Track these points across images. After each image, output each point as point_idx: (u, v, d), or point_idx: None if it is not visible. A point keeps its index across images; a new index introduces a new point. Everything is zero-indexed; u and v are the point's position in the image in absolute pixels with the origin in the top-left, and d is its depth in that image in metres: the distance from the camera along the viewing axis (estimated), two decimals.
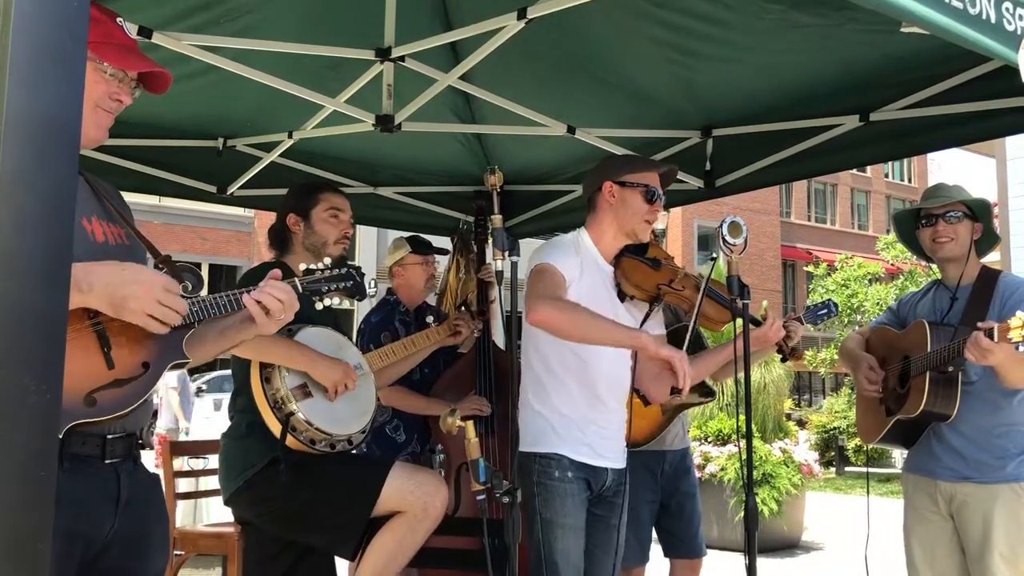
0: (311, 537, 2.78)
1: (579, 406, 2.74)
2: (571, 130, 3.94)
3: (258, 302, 1.88)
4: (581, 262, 2.75)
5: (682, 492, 3.55)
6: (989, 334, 2.59)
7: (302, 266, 2.06)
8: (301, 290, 1.98)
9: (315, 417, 2.63)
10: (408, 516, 2.73)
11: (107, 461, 1.77)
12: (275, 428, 2.64)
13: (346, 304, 2.24)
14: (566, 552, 2.63)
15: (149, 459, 2.75)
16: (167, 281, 1.71)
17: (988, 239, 3.09)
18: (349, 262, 2.16)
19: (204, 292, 1.91)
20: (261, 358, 2.66)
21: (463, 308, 3.98)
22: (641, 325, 2.83)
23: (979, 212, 3.06)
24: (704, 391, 3.61)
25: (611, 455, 2.80)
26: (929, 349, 2.89)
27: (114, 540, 1.78)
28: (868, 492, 3.65)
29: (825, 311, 3.38)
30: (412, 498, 2.73)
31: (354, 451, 2.87)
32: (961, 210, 3.03)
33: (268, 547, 2.86)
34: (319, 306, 2.08)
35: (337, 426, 2.70)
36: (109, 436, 1.76)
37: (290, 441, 2.64)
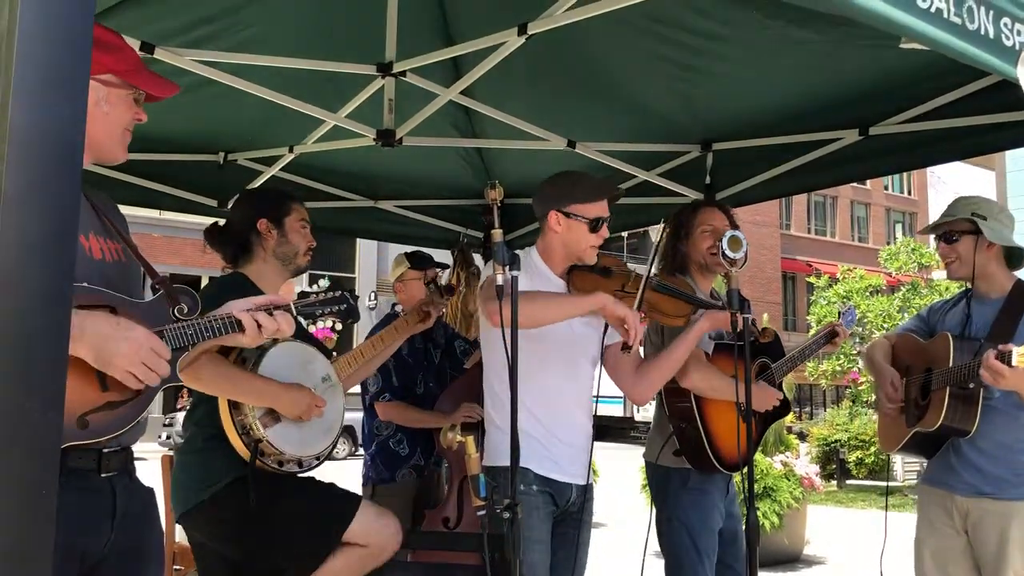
0: (275, 558, 2.69)
1: (541, 422, 2.71)
2: (571, 144, 3.96)
3: (259, 325, 1.89)
4: (529, 280, 2.66)
5: (736, 516, 3.25)
6: (1007, 358, 2.55)
7: (297, 288, 2.07)
8: (295, 313, 1.99)
9: (283, 443, 2.59)
10: (365, 552, 2.68)
11: (103, 475, 1.78)
12: (243, 453, 2.59)
13: (339, 325, 2.27)
14: (532, 565, 2.59)
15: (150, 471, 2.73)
16: (156, 342, 1.71)
17: (1009, 249, 2.98)
18: (342, 285, 2.21)
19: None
20: (225, 396, 2.59)
21: (431, 286, 3.81)
22: (603, 336, 2.82)
23: (980, 215, 2.95)
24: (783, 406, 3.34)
25: (575, 470, 2.77)
26: (951, 364, 2.85)
27: (110, 553, 1.79)
28: (887, 506, 3.59)
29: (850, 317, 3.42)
30: (375, 537, 2.70)
31: (318, 465, 2.80)
32: (959, 229, 2.98)
33: (224, 570, 2.74)
34: (301, 355, 2.10)
35: (305, 448, 2.67)
36: (105, 451, 1.78)
37: (258, 464, 2.59)
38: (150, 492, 1.98)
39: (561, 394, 2.78)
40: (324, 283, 2.12)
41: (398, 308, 4.22)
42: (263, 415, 2.56)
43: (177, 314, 1.80)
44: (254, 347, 2.47)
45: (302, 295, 2.09)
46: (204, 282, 21.85)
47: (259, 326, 1.89)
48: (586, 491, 2.79)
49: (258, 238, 2.86)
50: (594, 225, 2.78)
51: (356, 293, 2.23)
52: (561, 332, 2.69)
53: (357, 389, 4.13)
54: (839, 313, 3.49)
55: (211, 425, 2.64)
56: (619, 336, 2.87)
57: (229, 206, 4.51)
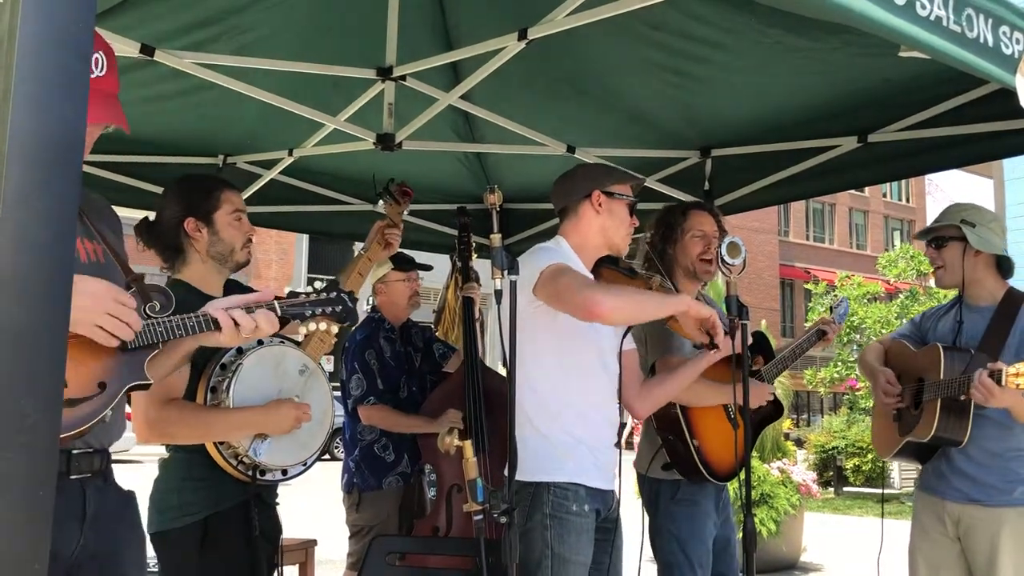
0: None
1: (592, 426, 2.62)
2: (571, 149, 3.96)
3: (237, 324, 1.80)
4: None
5: (730, 524, 3.21)
6: (997, 377, 2.55)
7: (287, 289, 1.94)
8: (280, 314, 1.87)
9: (281, 457, 2.51)
10: None
11: (72, 477, 1.75)
12: (241, 478, 2.48)
13: (334, 328, 2.12)
14: None
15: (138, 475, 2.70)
16: (117, 292, 1.63)
17: (999, 258, 2.99)
18: (340, 284, 2.04)
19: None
20: (203, 441, 2.45)
21: (384, 192, 3.48)
22: (623, 338, 2.76)
23: (969, 222, 2.95)
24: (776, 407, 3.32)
25: (614, 472, 2.69)
26: (942, 376, 2.85)
27: (83, 558, 1.76)
28: (883, 513, 3.58)
29: (841, 309, 3.41)
30: None
31: (316, 460, 2.65)
32: (947, 235, 2.99)
33: None
34: (303, 329, 1.97)
35: (303, 451, 2.57)
36: (74, 452, 1.75)
37: (258, 480, 2.50)
38: (128, 495, 1.93)
39: (607, 394, 2.68)
40: (319, 284, 1.97)
41: (375, 314, 4.16)
42: (251, 439, 2.46)
43: (148, 311, 1.73)
44: (226, 372, 2.42)
45: (291, 295, 1.95)
46: None
47: (236, 325, 1.80)
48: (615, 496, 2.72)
49: (188, 239, 2.57)
50: (632, 207, 2.74)
51: (355, 296, 2.10)
52: (591, 334, 2.60)
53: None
54: (830, 308, 3.48)
55: (198, 453, 2.49)
56: (631, 341, 2.84)
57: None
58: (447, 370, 4.15)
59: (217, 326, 1.79)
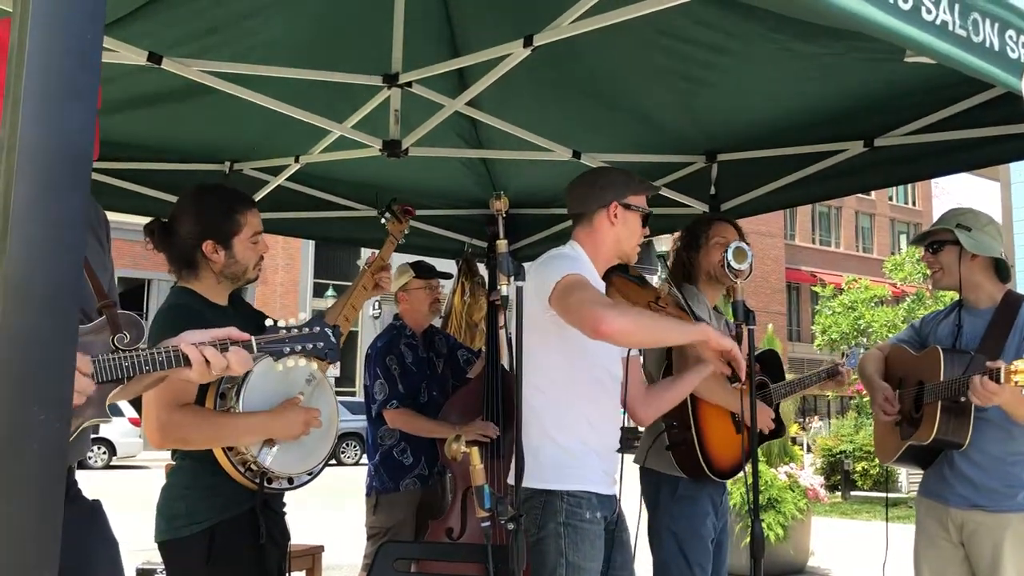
0: None
1: (602, 434, 2.63)
2: (577, 155, 3.96)
3: (207, 360, 1.70)
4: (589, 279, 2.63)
5: (726, 530, 3.25)
6: (996, 375, 2.55)
7: (268, 321, 1.88)
8: (256, 351, 1.80)
9: (287, 465, 2.50)
10: None
11: None
12: (249, 486, 2.48)
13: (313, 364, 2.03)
14: None
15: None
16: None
17: (997, 261, 3.00)
18: (324, 319, 1.94)
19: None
20: (215, 445, 2.44)
21: (387, 209, 3.54)
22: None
23: (964, 226, 2.97)
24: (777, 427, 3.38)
25: (614, 479, 2.69)
26: (942, 378, 2.86)
27: None
28: (887, 517, 3.59)
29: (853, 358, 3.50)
30: None
31: (322, 469, 2.67)
32: (943, 239, 3.01)
33: None
34: (279, 367, 1.90)
35: (311, 458, 2.57)
36: None
37: (267, 489, 2.50)
38: (92, 506, 1.88)
39: (615, 401, 2.70)
40: (303, 317, 1.90)
41: (396, 321, 4.22)
42: (260, 446, 2.45)
43: (117, 343, 1.63)
44: (234, 379, 2.38)
45: (270, 329, 1.88)
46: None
47: (207, 362, 1.70)
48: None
49: (204, 259, 2.56)
50: (646, 218, 2.76)
51: (340, 330, 2.02)
52: (598, 343, 2.56)
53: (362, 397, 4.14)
54: (843, 354, 3.54)
55: (205, 461, 2.48)
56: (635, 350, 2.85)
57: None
58: (471, 376, 4.19)
59: (187, 362, 1.69)
